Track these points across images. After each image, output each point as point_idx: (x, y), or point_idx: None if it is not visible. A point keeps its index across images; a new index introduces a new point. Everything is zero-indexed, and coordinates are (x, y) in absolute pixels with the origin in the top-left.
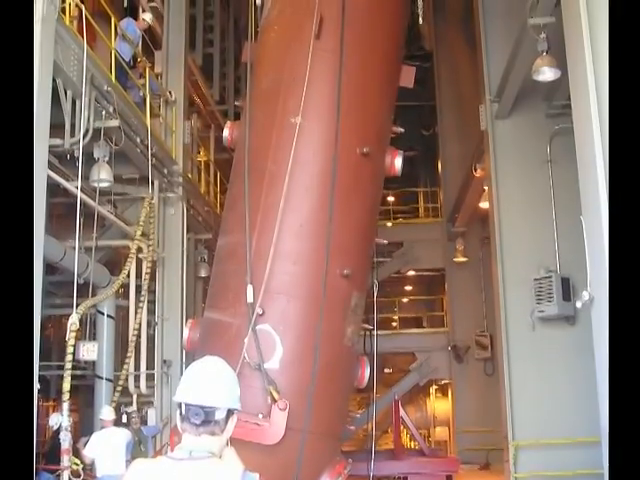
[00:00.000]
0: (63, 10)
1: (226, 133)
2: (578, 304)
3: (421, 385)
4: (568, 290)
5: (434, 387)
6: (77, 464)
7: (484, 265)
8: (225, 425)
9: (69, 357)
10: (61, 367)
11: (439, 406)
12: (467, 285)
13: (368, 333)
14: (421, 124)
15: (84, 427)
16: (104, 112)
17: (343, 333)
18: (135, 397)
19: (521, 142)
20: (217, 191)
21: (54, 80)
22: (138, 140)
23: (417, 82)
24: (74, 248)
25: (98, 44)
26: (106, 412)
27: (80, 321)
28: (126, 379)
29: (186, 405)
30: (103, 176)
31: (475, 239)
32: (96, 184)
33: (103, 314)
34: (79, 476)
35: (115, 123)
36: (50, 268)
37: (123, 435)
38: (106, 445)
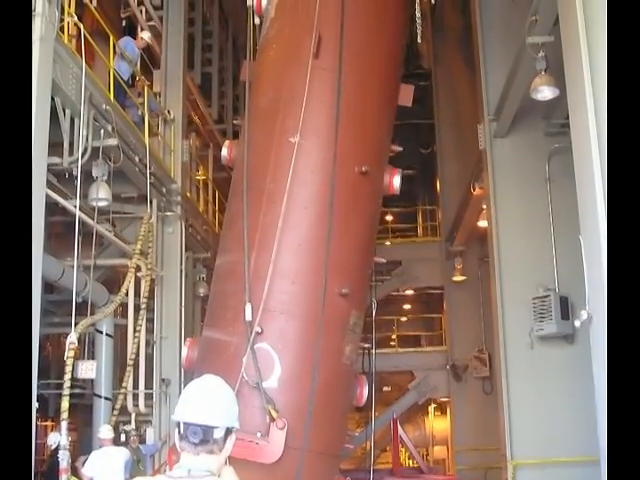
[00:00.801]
0: (62, 29)
1: (224, 152)
2: (577, 323)
3: (420, 404)
4: (567, 309)
5: (433, 406)
6: None
7: (483, 284)
8: (224, 444)
9: (68, 376)
10: (60, 386)
11: (438, 424)
12: (466, 304)
13: (367, 352)
14: (420, 143)
15: (83, 446)
16: (103, 131)
17: (342, 352)
18: (134, 416)
19: (520, 161)
20: (215, 210)
21: (53, 99)
22: (137, 159)
23: (416, 101)
24: (73, 267)
25: (97, 63)
26: (105, 431)
27: (79, 340)
28: (125, 398)
29: (184, 424)
30: (102, 195)
31: (474, 258)
32: (95, 203)
33: (102, 333)
34: None
35: (114, 142)
36: (49, 287)
37: (122, 454)
38: (105, 464)
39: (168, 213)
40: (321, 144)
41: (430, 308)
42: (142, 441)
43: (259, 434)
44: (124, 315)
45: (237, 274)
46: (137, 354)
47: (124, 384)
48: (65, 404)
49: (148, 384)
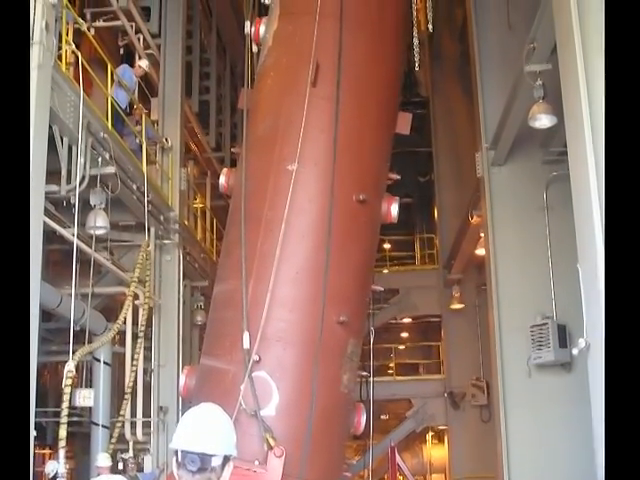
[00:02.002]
0: (59, 57)
1: (222, 180)
2: (574, 351)
3: (417, 432)
4: (564, 337)
5: (430, 433)
6: None
7: (480, 312)
8: (221, 472)
9: (65, 404)
10: (57, 414)
11: (435, 453)
12: (463, 332)
13: (364, 380)
14: (417, 171)
15: (80, 474)
16: (100, 159)
17: (339, 380)
18: (131, 444)
19: (517, 189)
20: (213, 238)
21: (50, 127)
22: (134, 187)
23: (413, 129)
24: (70, 295)
25: (94, 91)
26: (102, 459)
27: (76, 368)
28: (122, 426)
29: (182, 452)
30: (99, 223)
31: (471, 286)
32: (92, 231)
33: (99, 361)
34: None
35: (111, 170)
36: (46, 315)
37: None
38: None
39: (166, 241)
40: (319, 172)
41: (428, 336)
42: (140, 469)
43: (257, 462)
44: (122, 343)
45: (235, 302)
46: (135, 382)
47: (122, 412)
48: (63, 432)
49: (146, 412)
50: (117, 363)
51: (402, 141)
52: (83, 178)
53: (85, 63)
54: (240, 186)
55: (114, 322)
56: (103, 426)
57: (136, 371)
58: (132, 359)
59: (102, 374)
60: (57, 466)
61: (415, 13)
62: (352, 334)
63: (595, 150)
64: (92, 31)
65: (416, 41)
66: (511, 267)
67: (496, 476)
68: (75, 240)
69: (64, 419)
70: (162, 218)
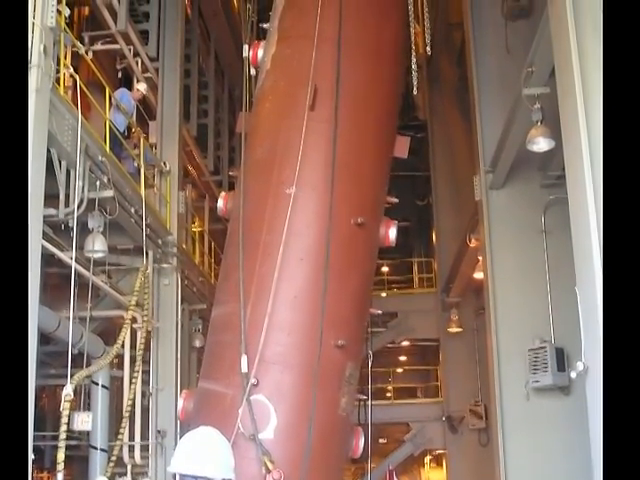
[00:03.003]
0: (57, 80)
1: (220, 203)
2: (573, 374)
3: (415, 455)
4: (562, 360)
5: (428, 457)
6: None
7: (478, 335)
8: None
9: (63, 427)
10: (55, 437)
11: (433, 476)
12: (461, 355)
13: (363, 403)
14: (415, 194)
15: None
16: (98, 182)
17: (337, 403)
18: (129, 467)
19: (515, 212)
20: (211, 261)
21: (48, 150)
22: (132, 210)
23: (411, 152)
24: (69, 318)
25: (92, 114)
26: None
27: (75, 391)
28: (120, 449)
29: (181, 475)
30: (97, 246)
31: (469, 309)
32: (90, 254)
33: (97, 384)
34: None
35: (109, 193)
36: (44, 338)
37: None
38: None
39: (164, 265)
40: (317, 196)
41: (426, 360)
42: None
43: None
44: (120, 367)
45: (233, 325)
46: (133, 406)
47: (120, 436)
48: (61, 455)
49: (144, 436)
50: (115, 386)
51: (400, 164)
52: (81, 201)
53: (83, 86)
54: (238, 210)
55: (112, 345)
56: (101, 449)
57: (134, 394)
58: (130, 382)
59: (100, 397)
60: None
61: (413, 36)
62: (350, 357)
63: (593, 173)
64: (90, 54)
65: (414, 64)
66: (509, 291)
67: None
68: (73, 263)
69: (62, 442)
70: (160, 242)
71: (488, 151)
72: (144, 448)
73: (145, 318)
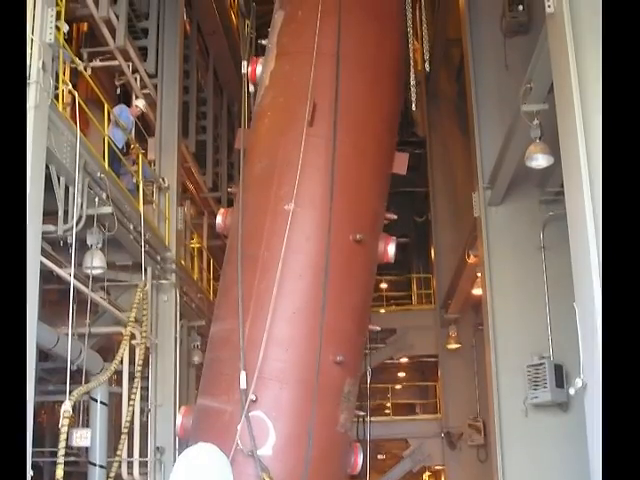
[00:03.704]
0: (56, 97)
1: (219, 220)
2: (571, 391)
3: (414, 471)
4: (561, 377)
5: (427, 473)
6: None
7: (477, 352)
8: None
9: (62, 444)
10: (54, 454)
11: None
12: (460, 372)
13: (361, 419)
14: (414, 211)
15: None
16: (97, 199)
17: (336, 419)
18: None
19: (514, 229)
20: (210, 278)
21: (47, 167)
22: (131, 227)
23: (410, 168)
24: (67, 335)
25: (91, 130)
26: None
27: (73, 408)
28: (119, 466)
29: None
30: (96, 263)
31: (468, 326)
32: (89, 271)
33: (96, 401)
34: None
35: (108, 210)
36: (43, 354)
37: None
38: None
39: (163, 281)
40: (316, 212)
41: (425, 376)
42: None
43: None
44: (119, 383)
45: (232, 342)
46: (132, 422)
47: (119, 452)
48: (60, 472)
49: (143, 452)
50: (114, 403)
51: (399, 181)
52: (80, 218)
53: (82, 103)
54: (237, 226)
55: (111, 362)
56: (100, 466)
57: (133, 411)
58: (129, 399)
59: (99, 414)
60: None
61: (412, 52)
62: (349, 374)
63: (592, 190)
64: (89, 71)
65: (413, 80)
66: (508, 307)
67: None
68: (72, 280)
69: (61, 459)
70: (159, 258)
71: (487, 167)
72: (143, 464)
73: (144, 334)
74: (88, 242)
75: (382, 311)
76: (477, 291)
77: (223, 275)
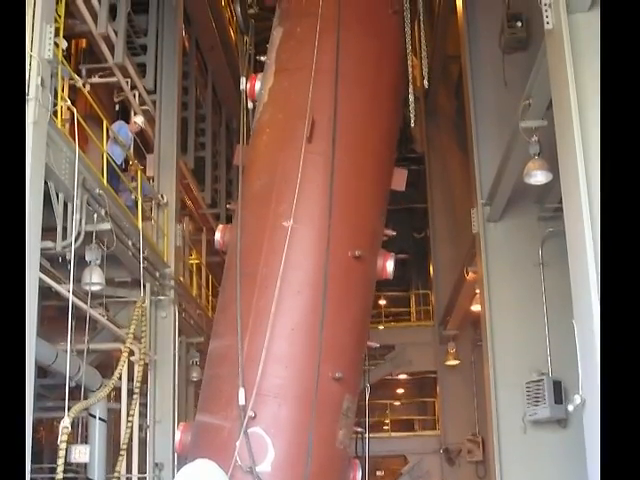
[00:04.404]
0: (55, 113)
1: (218, 236)
2: (570, 407)
3: None
4: (560, 393)
5: None
6: None
7: (476, 368)
8: None
9: (61, 460)
10: (53, 470)
11: None
12: (459, 388)
13: (360, 436)
14: (413, 227)
15: None
16: (96, 215)
17: (335, 436)
18: None
19: (513, 245)
20: (209, 294)
21: (46, 183)
22: (130, 243)
23: (409, 185)
24: (66, 351)
25: (90, 147)
26: None
27: (72, 424)
28: None
29: None
30: (95, 279)
31: (467, 342)
32: (88, 287)
33: (95, 417)
34: None
35: (107, 226)
36: (42, 371)
37: None
38: None
39: (161, 297)
40: (314, 228)
41: (423, 392)
42: None
43: None
44: (117, 399)
45: (230, 358)
46: (130, 438)
47: (117, 468)
48: None
49: (141, 468)
50: (113, 419)
51: (398, 197)
52: (79, 234)
53: (81, 119)
54: (236, 242)
55: (110, 378)
56: None
57: (132, 427)
58: (128, 415)
59: (98, 430)
60: None
61: (411, 69)
62: (348, 390)
63: (590, 206)
64: (88, 87)
65: (411, 97)
66: (507, 323)
67: None
68: (71, 296)
69: (60, 475)
70: (158, 274)
71: (485, 184)
72: None
73: (142, 351)
74: (87, 258)
75: (381, 327)
76: (476, 307)
77: (222, 291)
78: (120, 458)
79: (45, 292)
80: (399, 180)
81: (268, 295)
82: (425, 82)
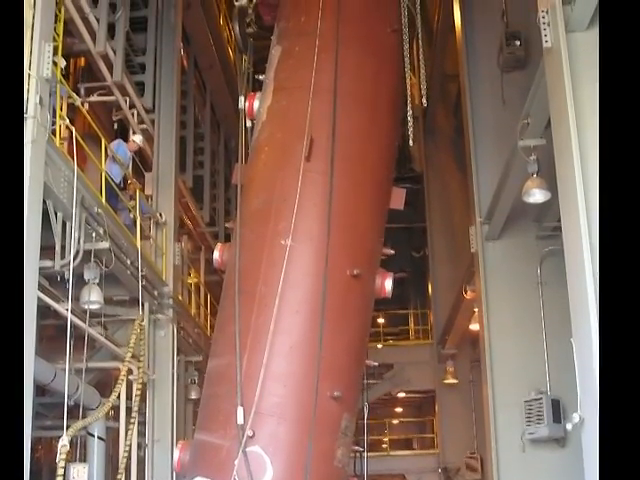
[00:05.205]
0: (53, 132)
1: (216, 255)
2: (568, 426)
3: None
4: (558, 412)
5: None
6: None
7: (474, 387)
8: None
9: (59, 479)
10: None
11: None
12: (457, 407)
13: (358, 455)
14: (411, 246)
15: None
16: (94, 234)
17: (333, 455)
18: None
19: (511, 264)
20: (207, 313)
21: (44, 202)
22: (128, 262)
23: (407, 204)
24: (64, 370)
25: (88, 166)
26: None
27: (70, 443)
28: None
29: None
30: (93, 298)
31: (465, 361)
32: (86, 306)
33: (93, 436)
34: None
35: (105, 245)
36: (40, 390)
37: None
38: None
39: (160, 316)
40: (313, 247)
41: (422, 411)
42: None
43: None
44: (116, 418)
45: (229, 377)
46: (129, 457)
47: None
48: None
49: None
50: (111, 438)
51: (396, 216)
52: (77, 253)
53: (79, 138)
54: (234, 261)
55: (108, 397)
56: None
57: (130, 446)
58: (126, 434)
59: (96, 449)
60: None
61: (409, 87)
62: (346, 409)
63: (589, 225)
64: (86, 106)
65: (410, 115)
66: (505, 342)
67: None
68: (69, 315)
69: None
70: (156, 293)
71: (484, 202)
72: None
73: (141, 369)
74: (85, 277)
75: (379, 346)
76: (474, 326)
77: (220, 310)
78: (119, 477)
79: (44, 311)
80: (398, 199)
81: (267, 314)
82: (424, 101)
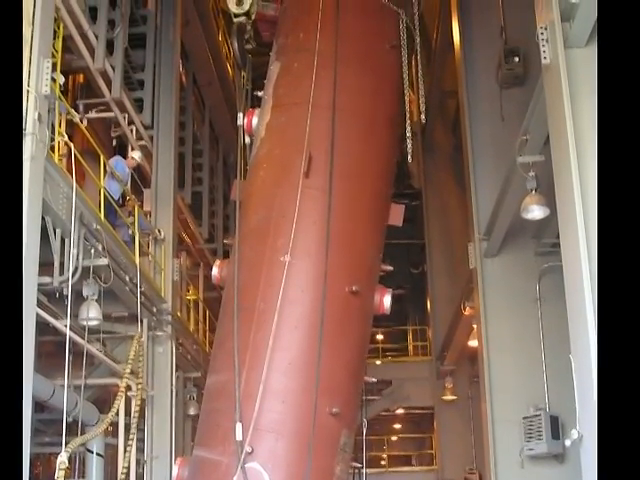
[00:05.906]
0: (52, 148)
1: (215, 271)
2: (567, 442)
3: None
4: (557, 428)
5: None
6: None
7: (473, 403)
8: None
9: None
10: None
11: None
12: (456, 423)
13: (357, 471)
14: (410, 262)
15: None
16: (93, 250)
17: (332, 471)
18: None
19: (510, 280)
20: (206, 329)
21: (43, 218)
22: (127, 278)
23: (406, 220)
24: (63, 386)
25: (87, 182)
26: None
27: (69, 459)
28: None
29: None
30: (92, 314)
31: (464, 377)
32: (85, 322)
33: (92, 452)
34: None
35: (104, 262)
36: (39, 406)
37: None
38: None
39: (159, 332)
40: (311, 263)
41: (421, 427)
42: None
43: None
44: (115, 434)
45: (227, 393)
46: (128, 473)
47: None
48: None
49: None
50: (110, 454)
51: (395, 232)
52: (76, 269)
53: (78, 154)
54: (233, 277)
55: (107, 413)
56: None
57: (129, 462)
58: (125, 450)
59: (95, 465)
60: None
61: (408, 103)
62: (345, 425)
63: (588, 242)
64: (85, 122)
65: (408, 132)
66: (504, 358)
67: None
68: (68, 331)
69: None
70: (155, 309)
71: (483, 219)
72: None
73: (140, 386)
74: (84, 294)
75: (378, 362)
76: (473, 343)
77: (219, 326)
78: None
79: (42, 327)
80: (396, 215)
81: (265, 330)
82: (422, 117)
